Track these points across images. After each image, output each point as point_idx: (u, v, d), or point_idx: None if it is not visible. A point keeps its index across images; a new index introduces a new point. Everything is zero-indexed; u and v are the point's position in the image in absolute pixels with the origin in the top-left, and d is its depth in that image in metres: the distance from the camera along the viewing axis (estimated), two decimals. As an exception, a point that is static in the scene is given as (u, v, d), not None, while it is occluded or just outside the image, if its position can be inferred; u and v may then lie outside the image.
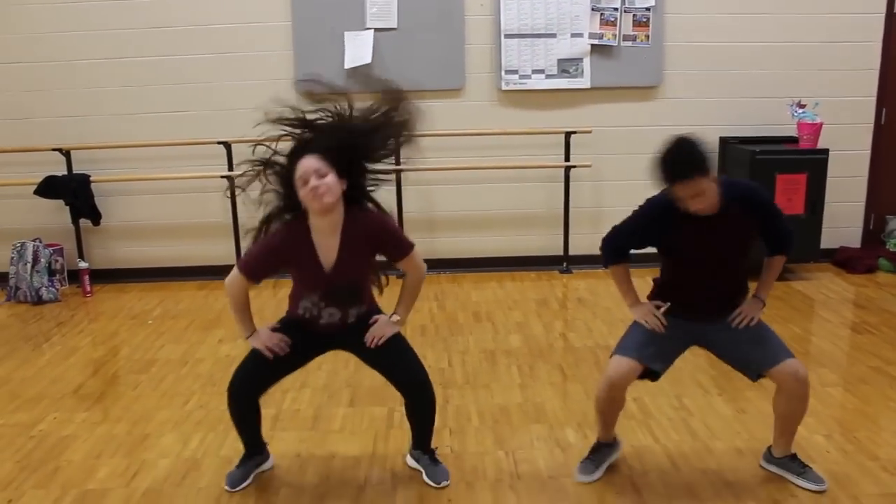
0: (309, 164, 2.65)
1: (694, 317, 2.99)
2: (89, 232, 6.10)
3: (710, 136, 5.96)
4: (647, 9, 5.73)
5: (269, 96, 5.83)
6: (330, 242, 2.78)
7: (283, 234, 2.81)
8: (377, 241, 2.86)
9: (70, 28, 5.80)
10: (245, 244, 6.13)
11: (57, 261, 5.92)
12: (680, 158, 2.62)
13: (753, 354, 2.91)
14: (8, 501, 3.04)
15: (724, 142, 5.97)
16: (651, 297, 3.09)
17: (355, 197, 2.83)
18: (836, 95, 5.94)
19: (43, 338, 4.95)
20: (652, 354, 2.91)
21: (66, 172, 5.91)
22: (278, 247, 2.82)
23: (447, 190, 6.04)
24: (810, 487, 2.94)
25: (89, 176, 5.87)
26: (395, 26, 5.72)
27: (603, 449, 3.12)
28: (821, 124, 5.62)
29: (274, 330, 2.99)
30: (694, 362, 4.22)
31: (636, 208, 2.92)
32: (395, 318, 3.02)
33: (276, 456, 3.32)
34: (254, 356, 2.98)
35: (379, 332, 2.97)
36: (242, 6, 5.79)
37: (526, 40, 5.76)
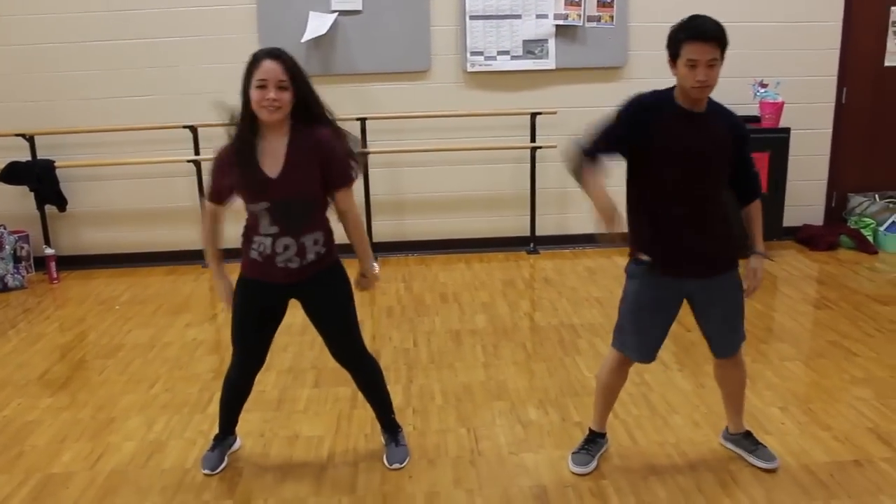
0: (273, 68, 2.55)
1: (681, 266, 2.74)
2: (55, 218, 6.05)
3: (674, 116, 6.06)
4: (612, -10, 5.77)
5: (235, 79, 5.85)
6: (276, 149, 2.65)
7: (229, 145, 2.69)
8: (323, 157, 2.68)
9: (32, 12, 5.73)
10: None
11: (22, 248, 5.87)
12: (709, 20, 2.56)
13: (722, 339, 2.93)
14: (-29, 487, 3.04)
15: (689, 122, 6.02)
16: (633, 254, 2.82)
17: (307, 117, 2.69)
18: (798, 75, 6.01)
19: (9, 325, 4.93)
20: (639, 346, 2.87)
21: (29, 158, 5.85)
22: (225, 157, 2.69)
23: (414, 172, 6.05)
24: (760, 465, 2.99)
25: (54, 161, 5.82)
26: (359, 8, 5.70)
27: (598, 440, 3.08)
28: (782, 103, 5.69)
29: (236, 301, 2.90)
30: (655, 339, 4.29)
31: (622, 104, 2.72)
32: (374, 269, 3.01)
33: (241, 436, 3.34)
34: (238, 339, 2.95)
35: (364, 286, 3.01)
36: (206, -11, 5.76)
37: (491, 21, 5.77)
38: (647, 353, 2.88)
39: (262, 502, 2.87)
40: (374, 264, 3.02)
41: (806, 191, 6.28)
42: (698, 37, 2.52)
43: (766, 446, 3.06)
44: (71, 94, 5.88)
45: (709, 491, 2.84)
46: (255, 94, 2.55)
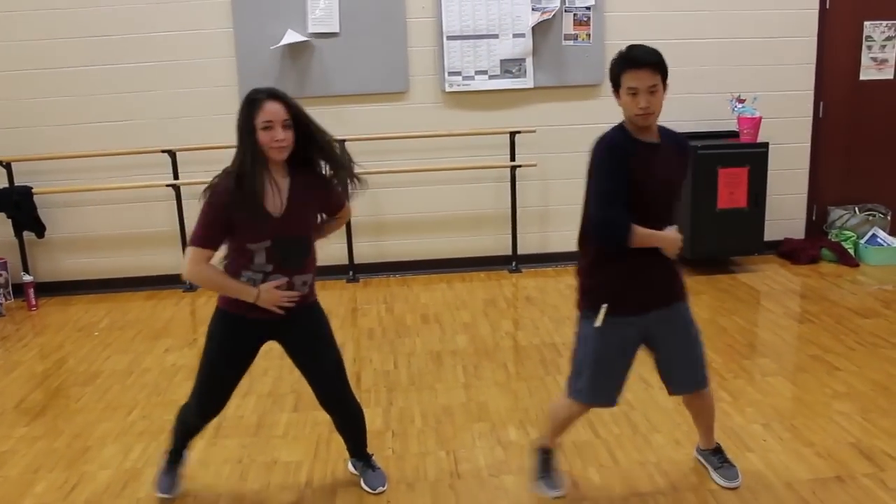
0: (277, 109, 2.59)
1: (637, 303, 2.73)
2: (33, 244, 6.00)
3: (653, 132, 6.08)
4: (588, 8, 5.79)
5: (213, 103, 5.85)
6: (279, 188, 2.67)
7: (225, 185, 2.62)
8: (323, 192, 2.78)
9: (7, 39, 5.70)
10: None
11: (0, 274, 5.81)
12: (646, 48, 2.59)
13: (681, 376, 2.88)
14: (-61, 521, 2.98)
15: (668, 138, 6.04)
16: (584, 290, 2.79)
17: (305, 153, 2.73)
18: (775, 90, 6.05)
19: (-14, 353, 4.87)
20: (598, 391, 2.82)
21: (6, 185, 5.80)
22: (225, 200, 2.60)
23: (394, 193, 6.04)
24: (721, 483, 2.97)
25: (31, 188, 5.77)
26: (337, 31, 5.71)
27: (552, 457, 3.02)
28: (760, 118, 5.72)
29: (213, 336, 2.83)
30: (637, 356, 4.27)
31: (596, 159, 2.62)
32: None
33: (218, 463, 3.30)
34: (206, 378, 2.88)
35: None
36: (183, 14, 5.73)
37: (468, 41, 5.79)
38: (613, 398, 2.85)
39: (239, 531, 2.83)
40: (256, 298, 2.75)
41: (786, 205, 6.31)
42: (636, 65, 2.55)
43: (732, 465, 3.03)
44: (48, 120, 5.84)
45: (690, 510, 2.82)
46: (263, 136, 2.58)
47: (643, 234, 2.60)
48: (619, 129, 2.67)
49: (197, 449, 3.45)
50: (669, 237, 2.67)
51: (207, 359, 2.85)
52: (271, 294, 2.68)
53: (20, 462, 3.42)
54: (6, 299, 5.85)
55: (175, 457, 3.09)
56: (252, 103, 2.59)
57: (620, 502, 2.89)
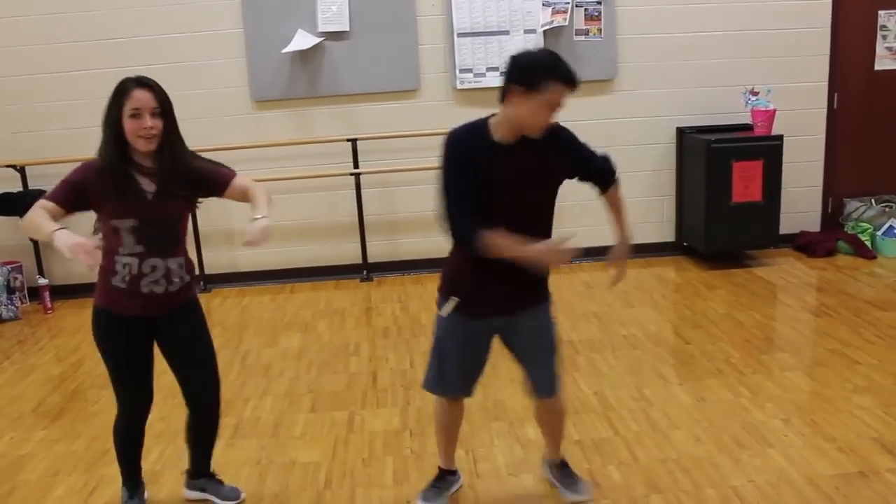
0: (146, 97, 2.54)
1: (486, 306, 2.62)
2: (48, 248, 6.02)
3: (667, 126, 6.06)
4: (599, 3, 5.76)
5: (224, 104, 5.85)
6: (149, 171, 2.61)
7: (99, 160, 2.61)
8: (196, 173, 2.67)
9: (18, 44, 5.72)
10: (208, 253, 6.08)
11: (16, 278, 5.84)
12: (568, 65, 2.40)
13: (533, 376, 2.77)
14: (-39, 525, 3.00)
15: (681, 132, 6.01)
16: (443, 287, 2.70)
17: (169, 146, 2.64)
18: (789, 82, 6.00)
19: (3, 356, 4.88)
20: (450, 383, 2.77)
21: (21, 189, 5.82)
22: (95, 167, 2.59)
23: (407, 191, 6.02)
24: (571, 498, 2.88)
25: (45, 191, 5.77)
26: (347, 29, 5.70)
27: (447, 477, 2.96)
28: (774, 111, 5.68)
29: (101, 340, 2.74)
30: (654, 352, 4.26)
31: (443, 151, 2.51)
32: (263, 221, 2.62)
33: (237, 464, 3.30)
34: (116, 381, 2.79)
35: (256, 238, 2.60)
36: (193, 15, 5.74)
37: (479, 38, 5.77)
38: (458, 388, 2.78)
39: (259, 533, 2.83)
40: (264, 217, 2.64)
41: (801, 197, 6.25)
42: (568, 83, 2.40)
43: (579, 478, 2.93)
44: (60, 124, 5.85)
45: (712, 507, 2.80)
46: (129, 124, 2.53)
47: (501, 245, 2.40)
48: (476, 125, 2.53)
49: (216, 450, 3.45)
50: (535, 253, 2.39)
51: (110, 364, 2.77)
52: (68, 237, 2.38)
53: (39, 465, 3.43)
54: (22, 302, 5.88)
55: (131, 486, 2.99)
56: (119, 91, 2.56)
57: (641, 500, 2.87)
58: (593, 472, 3.07)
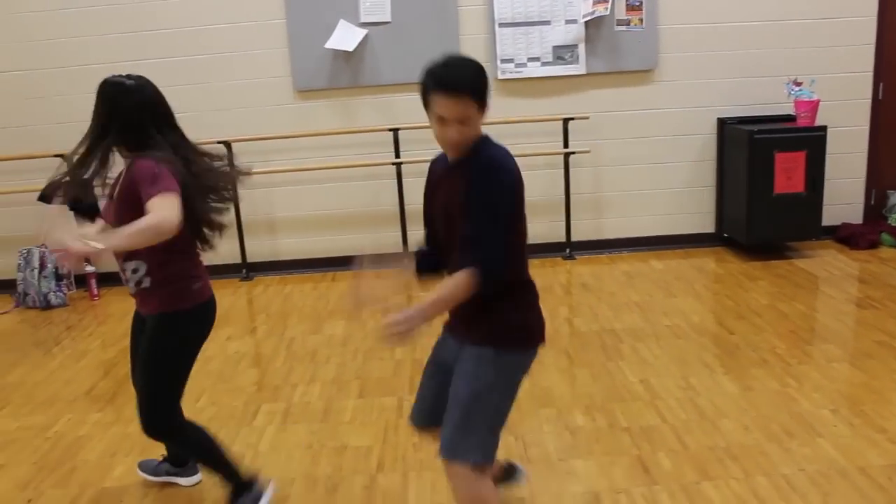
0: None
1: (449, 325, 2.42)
2: (94, 236, 6.12)
3: (708, 117, 6.03)
4: (641, -8, 5.75)
5: (266, 94, 5.92)
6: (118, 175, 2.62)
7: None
8: (134, 181, 2.47)
9: (66, 35, 5.83)
10: (250, 242, 6.12)
11: (64, 266, 5.95)
12: (456, 64, 2.15)
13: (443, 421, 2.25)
14: (28, 501, 3.08)
15: (723, 122, 5.98)
16: (520, 337, 2.35)
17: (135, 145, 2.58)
18: (833, 72, 5.94)
19: (53, 342, 5.00)
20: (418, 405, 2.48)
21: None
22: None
23: (448, 181, 6.05)
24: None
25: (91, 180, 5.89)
26: (388, 20, 5.73)
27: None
28: (818, 101, 5.63)
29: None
30: (698, 342, 4.27)
31: None
32: (94, 242, 2.30)
33: (289, 448, 3.36)
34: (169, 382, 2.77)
35: (65, 257, 2.34)
36: (237, 6, 5.80)
37: (520, 28, 5.78)
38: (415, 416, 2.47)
39: (315, 514, 2.88)
40: (98, 243, 2.30)
41: (844, 189, 6.20)
42: (443, 88, 2.10)
43: None
44: (107, 113, 5.95)
45: (764, 496, 2.81)
46: None
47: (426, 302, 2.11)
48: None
49: (267, 434, 3.53)
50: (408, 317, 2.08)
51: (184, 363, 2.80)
52: (57, 231, 2.36)
53: (97, 447, 3.52)
54: (70, 289, 6.00)
55: (238, 483, 2.87)
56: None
57: (692, 487, 2.89)
58: (643, 459, 3.09)
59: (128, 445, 3.51)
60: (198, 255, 2.77)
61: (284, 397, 3.89)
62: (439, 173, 2.31)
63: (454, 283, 2.09)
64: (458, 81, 2.10)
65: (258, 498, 2.84)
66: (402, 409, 3.67)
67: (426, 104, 2.17)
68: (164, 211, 2.35)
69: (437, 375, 2.38)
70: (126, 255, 2.62)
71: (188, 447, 2.86)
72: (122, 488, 3.14)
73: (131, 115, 2.59)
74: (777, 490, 2.84)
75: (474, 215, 2.10)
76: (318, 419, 3.64)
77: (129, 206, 2.48)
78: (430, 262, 2.40)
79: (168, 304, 2.64)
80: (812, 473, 2.94)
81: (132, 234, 2.30)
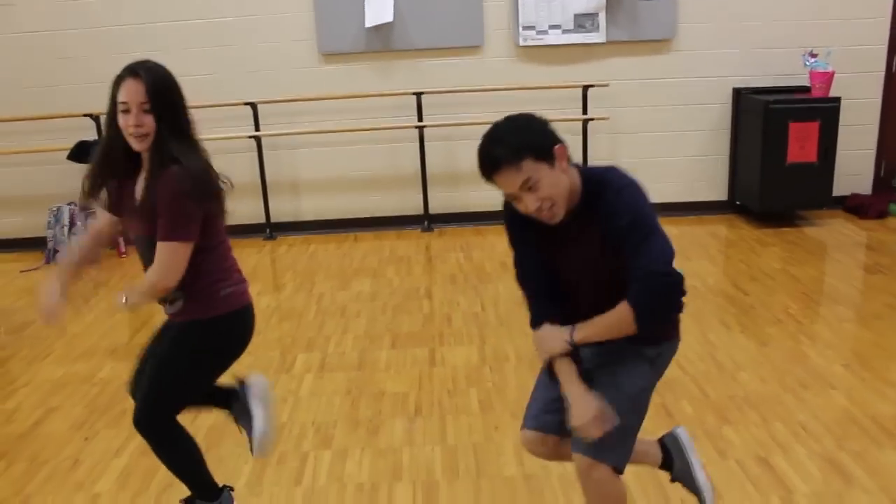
0: (136, 90, 2.19)
1: None
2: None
3: (724, 86, 6.16)
4: (662, -37, 5.85)
5: (291, 57, 6.03)
6: (143, 177, 2.30)
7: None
8: (159, 201, 2.22)
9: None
10: (274, 202, 6.25)
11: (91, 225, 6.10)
12: (491, 140, 1.95)
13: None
14: (85, 439, 3.27)
15: (738, 92, 6.11)
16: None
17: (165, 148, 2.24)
18: (848, 45, 6.06)
19: (86, 297, 5.16)
20: (536, 414, 2.28)
21: (96, 137, 6.07)
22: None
23: (469, 145, 6.09)
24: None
25: (120, 140, 6.02)
26: (415, -14, 5.85)
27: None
28: (833, 73, 5.76)
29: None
30: (715, 302, 4.44)
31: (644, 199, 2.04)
32: (122, 298, 2.34)
33: (328, 393, 3.54)
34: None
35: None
36: (264, -31, 5.92)
37: (543, -4, 5.90)
38: (531, 420, 2.29)
39: (360, 452, 3.07)
40: (124, 296, 2.34)
41: (855, 160, 6.34)
42: (487, 177, 1.99)
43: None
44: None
45: (782, 439, 3.00)
46: (121, 119, 2.22)
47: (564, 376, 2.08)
48: None
49: (306, 381, 3.71)
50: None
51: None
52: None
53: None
54: (98, 246, 6.15)
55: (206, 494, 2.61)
56: (116, 80, 2.23)
57: (715, 431, 3.08)
58: (667, 406, 3.27)
59: (173, 390, 3.68)
60: (227, 260, 2.46)
61: (319, 348, 4.07)
62: (547, 229, 2.05)
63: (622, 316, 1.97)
64: (494, 161, 1.92)
65: None
66: (434, 360, 3.85)
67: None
68: (161, 270, 2.24)
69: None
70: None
71: (171, 455, 2.52)
72: (172, 428, 3.32)
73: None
74: (794, 435, 3.02)
75: (637, 234, 1.93)
76: (354, 368, 3.82)
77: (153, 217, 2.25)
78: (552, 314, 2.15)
79: (192, 313, 2.38)
80: (826, 420, 3.12)
81: (140, 295, 2.31)
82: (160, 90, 2.23)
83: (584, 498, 2.17)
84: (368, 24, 5.85)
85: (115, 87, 2.22)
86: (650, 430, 3.05)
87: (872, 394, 3.33)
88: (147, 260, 2.34)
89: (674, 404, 3.29)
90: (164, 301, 2.39)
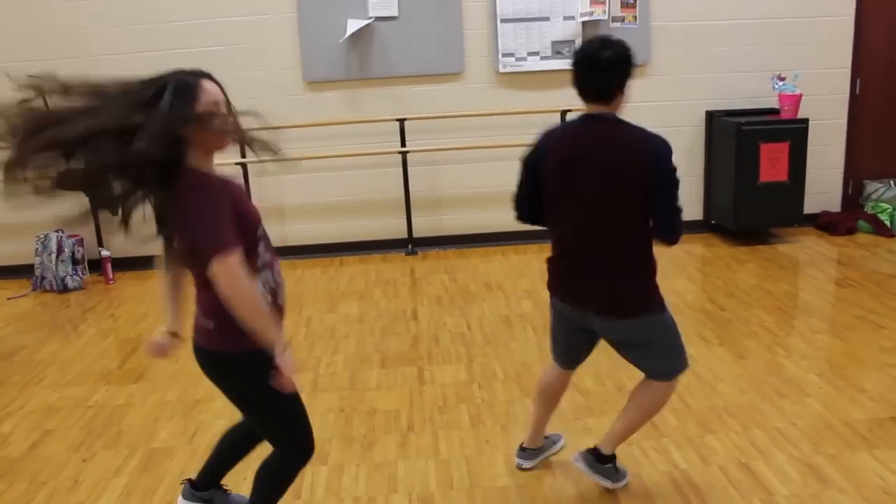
0: (218, 91, 2.19)
1: (571, 297, 2.71)
2: (108, 221, 6.31)
3: (697, 109, 6.37)
4: (634, -9, 6.07)
5: (278, 85, 6.15)
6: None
7: (212, 176, 2.23)
8: (183, 209, 2.16)
9: (87, 25, 6.03)
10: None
11: (79, 250, 6.16)
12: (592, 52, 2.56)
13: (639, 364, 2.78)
14: (83, 461, 3.33)
15: (711, 115, 6.32)
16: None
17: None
18: (814, 68, 6.29)
19: (75, 323, 5.22)
20: (554, 350, 2.94)
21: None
22: (228, 188, 2.24)
23: (451, 169, 6.34)
24: (607, 485, 2.88)
25: (107, 168, 6.09)
26: (395, 14, 6.00)
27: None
28: (800, 95, 5.98)
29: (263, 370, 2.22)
30: (693, 317, 4.59)
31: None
32: (283, 357, 2.17)
33: (322, 412, 3.63)
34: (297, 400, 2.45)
35: (275, 381, 2.21)
36: (251, 1, 6.04)
37: (521, 24, 6.07)
38: (555, 355, 2.94)
39: (355, 467, 3.16)
40: (284, 352, 2.17)
41: (823, 179, 6.56)
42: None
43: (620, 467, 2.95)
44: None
45: (761, 445, 3.13)
46: (218, 122, 2.23)
47: None
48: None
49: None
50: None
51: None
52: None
53: (139, 413, 3.77)
54: (85, 274, 6.21)
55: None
56: (184, 85, 2.17)
57: (697, 439, 3.20)
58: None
59: (168, 412, 3.76)
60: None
61: (311, 368, 4.16)
62: (569, 150, 2.61)
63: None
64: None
65: None
66: (423, 377, 3.95)
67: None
68: (233, 285, 2.07)
69: (574, 335, 2.84)
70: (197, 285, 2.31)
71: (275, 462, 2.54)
72: (169, 448, 3.40)
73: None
74: (772, 441, 3.16)
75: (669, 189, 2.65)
76: (346, 387, 3.92)
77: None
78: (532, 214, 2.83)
79: (228, 344, 2.29)
80: (802, 427, 3.26)
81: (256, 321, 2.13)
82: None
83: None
84: (342, 39, 5.97)
85: (188, 95, 2.10)
86: (636, 440, 3.18)
87: (846, 400, 3.48)
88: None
89: (657, 416, 3.41)
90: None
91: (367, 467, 3.15)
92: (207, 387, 3.93)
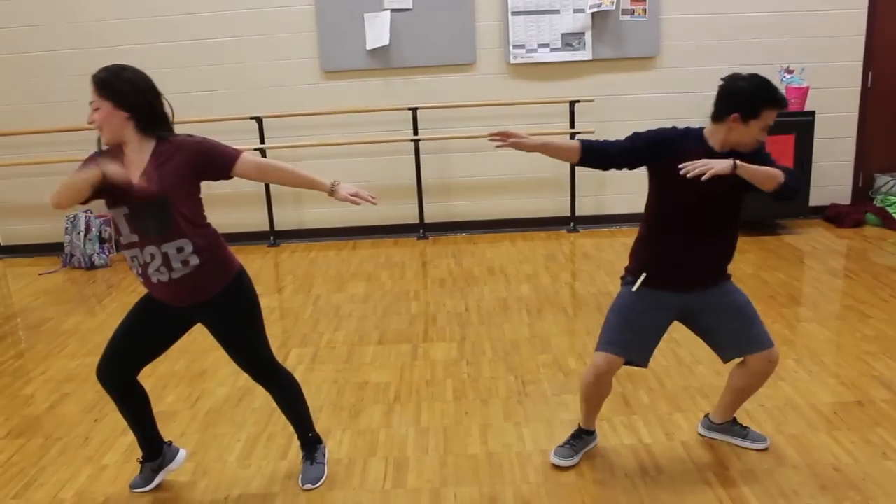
0: (92, 92, 2.61)
1: (675, 284, 2.88)
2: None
3: (704, 101, 6.42)
4: (645, -16, 6.17)
5: (296, 74, 6.38)
6: (139, 159, 2.58)
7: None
8: (199, 156, 2.64)
9: (114, 16, 6.31)
10: (278, 211, 6.55)
11: (106, 230, 6.47)
12: (778, 90, 2.81)
13: (739, 336, 2.90)
14: (94, 420, 3.60)
15: (719, 107, 6.39)
16: (631, 261, 2.96)
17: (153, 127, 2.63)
18: (825, 61, 6.34)
19: (98, 297, 5.51)
20: (630, 345, 2.86)
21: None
22: (92, 157, 2.67)
23: (462, 157, 6.53)
24: (754, 447, 3.09)
25: (134, 151, 6.38)
26: (409, 7, 6.19)
27: (584, 436, 3.10)
28: (807, 88, 6.04)
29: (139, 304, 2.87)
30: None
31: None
32: (337, 184, 2.89)
33: (317, 383, 3.85)
34: (120, 335, 2.90)
35: (357, 195, 2.88)
36: (271, -8, 6.30)
37: (531, 16, 6.22)
38: (627, 352, 2.86)
39: (341, 433, 3.37)
40: (332, 182, 2.86)
41: (832, 171, 6.62)
42: (778, 105, 2.82)
43: (752, 429, 3.17)
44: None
45: (726, 423, 3.28)
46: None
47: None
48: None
49: (298, 372, 4.01)
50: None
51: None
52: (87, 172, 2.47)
53: (149, 380, 3.98)
54: (111, 252, 6.51)
55: (144, 453, 3.04)
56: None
57: (666, 417, 3.36)
58: (625, 395, 3.57)
59: (176, 379, 4.01)
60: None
61: (312, 343, 4.39)
62: (712, 154, 2.82)
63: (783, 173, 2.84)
64: (786, 100, 2.83)
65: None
66: (416, 354, 4.16)
67: (755, 116, 2.80)
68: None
69: (660, 323, 2.94)
70: (166, 236, 2.57)
71: (284, 389, 2.99)
72: (173, 412, 3.65)
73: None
74: (738, 420, 3.30)
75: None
76: (343, 360, 4.14)
77: (187, 180, 2.63)
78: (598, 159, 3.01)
79: (227, 274, 2.76)
80: (770, 408, 3.40)
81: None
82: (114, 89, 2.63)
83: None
84: (369, 46, 6.20)
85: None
86: (606, 416, 3.35)
87: (817, 385, 3.61)
88: (154, 231, 2.54)
89: (632, 394, 3.58)
90: (171, 255, 2.59)
91: (352, 433, 3.36)
92: (214, 358, 4.22)
